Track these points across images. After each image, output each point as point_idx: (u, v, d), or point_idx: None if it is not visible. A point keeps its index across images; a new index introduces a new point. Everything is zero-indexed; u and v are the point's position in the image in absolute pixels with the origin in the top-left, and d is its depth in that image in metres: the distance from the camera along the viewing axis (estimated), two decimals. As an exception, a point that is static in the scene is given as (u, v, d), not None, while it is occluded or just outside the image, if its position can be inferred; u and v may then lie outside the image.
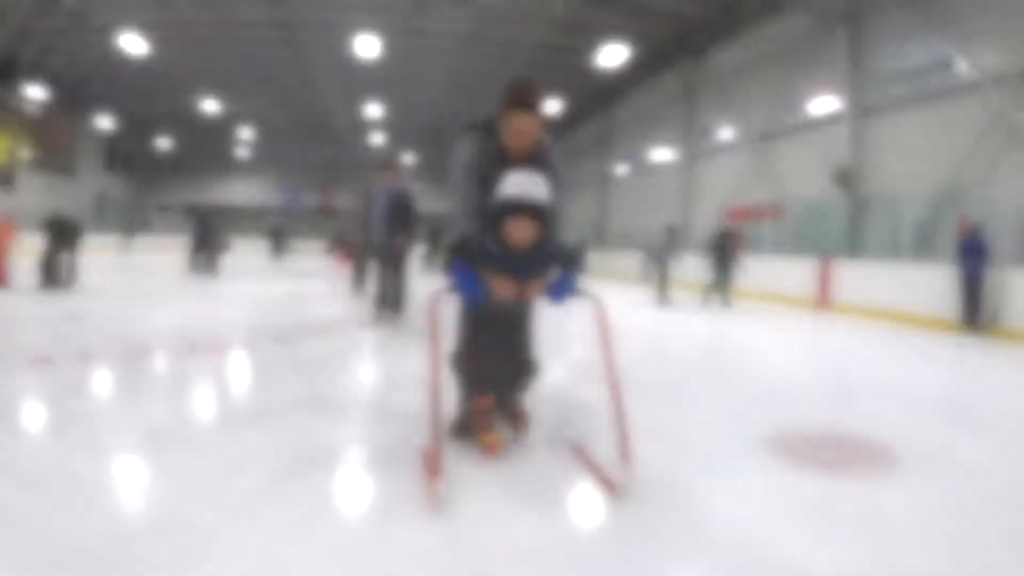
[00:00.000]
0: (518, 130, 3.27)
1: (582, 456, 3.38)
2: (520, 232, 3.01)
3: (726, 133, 22.99)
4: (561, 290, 3.15)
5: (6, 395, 4.36)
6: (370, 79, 31.31)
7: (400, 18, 23.72)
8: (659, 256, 13.95)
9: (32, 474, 2.91)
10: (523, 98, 3.22)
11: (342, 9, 23.33)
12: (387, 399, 4.56)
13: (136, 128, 40.15)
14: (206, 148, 45.68)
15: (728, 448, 3.80)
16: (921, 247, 14.89)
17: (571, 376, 5.71)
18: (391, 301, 8.76)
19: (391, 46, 25.61)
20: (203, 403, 4.43)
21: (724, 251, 13.29)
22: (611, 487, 2.93)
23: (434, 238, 26.00)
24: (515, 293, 3.11)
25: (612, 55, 21.99)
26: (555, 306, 3.23)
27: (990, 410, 5.56)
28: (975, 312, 10.88)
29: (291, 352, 6.25)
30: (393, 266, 8.78)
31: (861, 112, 16.91)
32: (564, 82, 29.02)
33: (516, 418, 3.60)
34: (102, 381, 4.96)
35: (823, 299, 14.41)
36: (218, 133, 42.73)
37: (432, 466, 2.69)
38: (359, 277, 12.96)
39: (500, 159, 3.39)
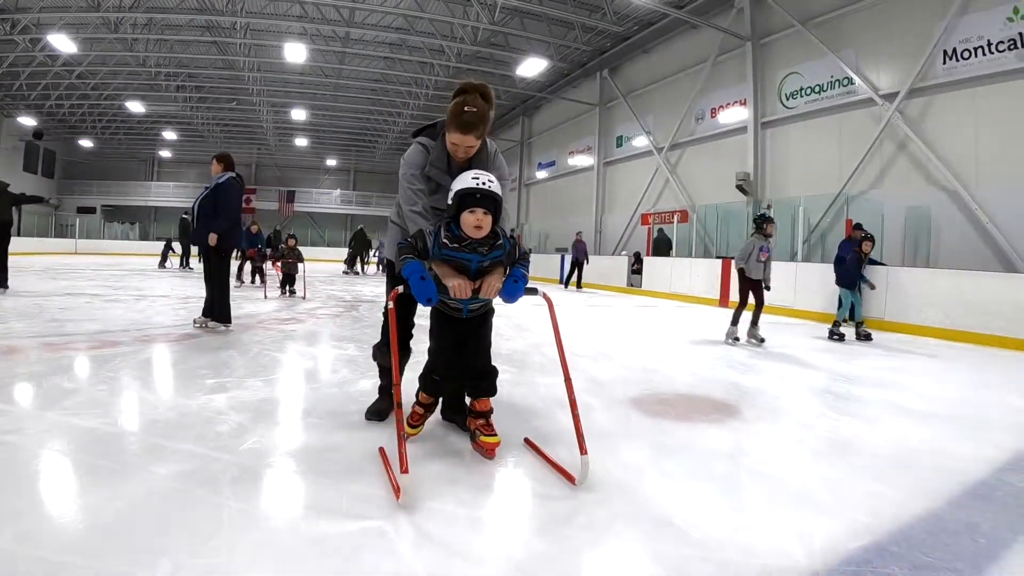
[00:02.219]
0: (455, 146, 3.29)
1: (534, 449, 3.35)
2: (479, 221, 2.97)
3: (640, 141, 23.23)
4: (514, 289, 3.07)
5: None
6: (296, 83, 30.59)
7: (328, 26, 23.22)
8: (751, 267, 8.85)
9: (49, 429, 3.42)
10: (464, 117, 3.19)
11: (271, 16, 22.60)
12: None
13: (57, 128, 37.89)
14: (128, 150, 43.50)
15: (603, 405, 4.57)
16: (816, 249, 15.53)
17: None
18: (206, 306, 7.55)
19: (318, 52, 25.17)
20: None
21: (859, 266, 9.80)
22: (570, 478, 2.90)
23: (357, 242, 25.71)
24: (470, 292, 3.00)
25: (531, 66, 21.91)
26: (508, 304, 3.14)
27: (835, 381, 6.32)
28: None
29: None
30: (206, 265, 7.66)
31: (764, 124, 17.40)
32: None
33: (485, 433, 3.30)
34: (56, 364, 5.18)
35: (724, 297, 14.85)
36: (141, 134, 40.76)
37: (399, 463, 2.53)
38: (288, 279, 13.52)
39: (446, 163, 3.40)
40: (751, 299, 8.82)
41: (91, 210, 42.48)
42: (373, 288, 16.73)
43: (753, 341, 8.44)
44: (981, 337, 9.57)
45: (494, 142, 3.58)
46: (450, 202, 3.04)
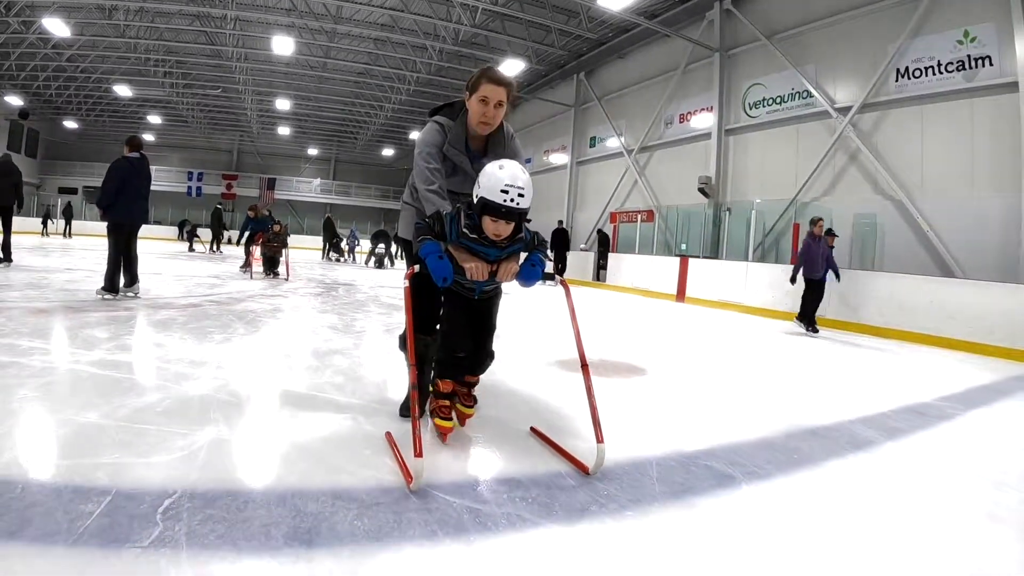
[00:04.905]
0: (484, 100, 3.15)
1: (541, 438, 3.27)
2: (499, 230, 2.84)
3: (612, 143, 23.60)
4: (532, 274, 2.99)
5: (36, 331, 5.23)
6: (281, 74, 30.49)
7: (314, 19, 23.26)
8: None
9: (98, 362, 4.28)
10: (491, 72, 3.18)
11: (260, 9, 22.64)
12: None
13: (42, 109, 37.21)
14: (112, 132, 42.77)
15: (533, 364, 5.40)
16: (770, 251, 16.11)
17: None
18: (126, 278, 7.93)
19: (304, 45, 25.17)
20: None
21: None
22: (583, 468, 2.81)
23: (328, 230, 26.34)
24: (487, 275, 2.91)
25: (510, 67, 21.91)
26: (524, 288, 3.07)
27: (738, 357, 7.47)
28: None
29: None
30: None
31: (728, 131, 17.89)
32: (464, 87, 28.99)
33: (465, 402, 3.29)
34: (84, 322, 5.90)
35: (681, 292, 15.46)
36: (125, 118, 40.32)
37: (413, 446, 2.42)
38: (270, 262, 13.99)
39: (464, 143, 3.29)
40: None
41: (72, 191, 42.07)
42: (350, 273, 17.26)
43: None
44: (907, 335, 10.21)
45: (510, 126, 3.48)
46: (475, 199, 2.86)
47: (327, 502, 2.26)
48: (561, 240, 21.83)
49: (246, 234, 14.72)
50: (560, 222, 23.37)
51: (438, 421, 3.18)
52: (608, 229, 22.58)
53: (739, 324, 11.27)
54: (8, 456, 2.47)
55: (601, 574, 1.96)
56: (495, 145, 3.35)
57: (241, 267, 14.84)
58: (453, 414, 3.26)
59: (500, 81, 3.17)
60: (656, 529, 2.30)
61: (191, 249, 24.36)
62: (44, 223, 32.53)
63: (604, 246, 21.02)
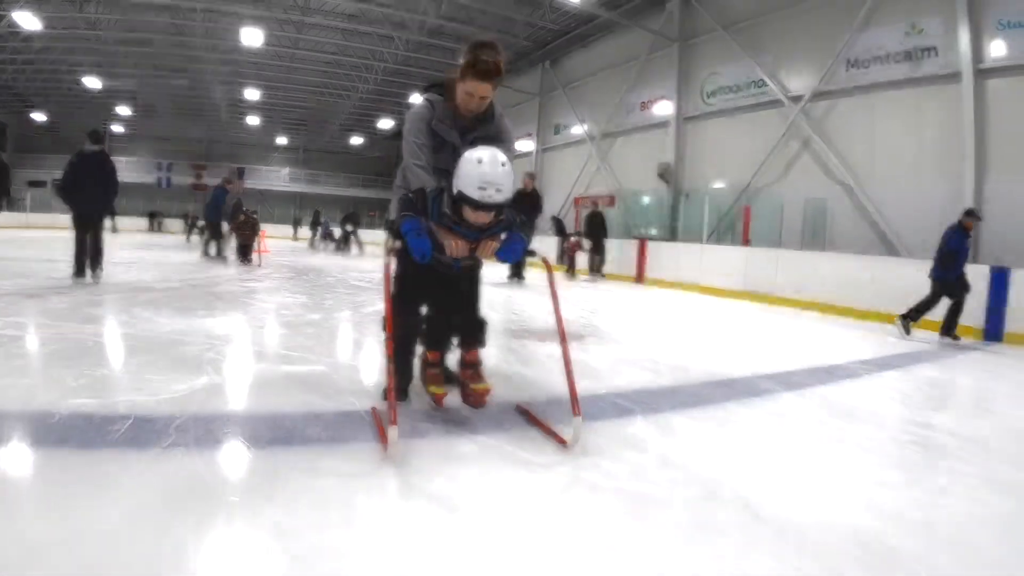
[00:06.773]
0: (469, 95, 3.16)
1: (526, 415, 3.35)
2: (479, 219, 2.91)
3: (576, 130, 24.31)
4: (511, 250, 3.03)
5: (37, 311, 5.87)
6: (251, 64, 30.73)
7: (283, 11, 23.55)
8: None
9: (96, 333, 5.27)
10: (480, 65, 3.07)
11: (229, 0, 23.00)
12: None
13: (11, 101, 37.12)
14: (81, 123, 42.80)
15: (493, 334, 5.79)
16: (726, 234, 16.87)
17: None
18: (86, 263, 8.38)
19: (273, 34, 25.40)
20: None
21: None
22: (561, 440, 2.91)
23: (315, 219, 27.15)
24: (467, 252, 2.95)
25: None
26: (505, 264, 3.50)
27: (672, 327, 8.47)
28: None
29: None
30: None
31: (687, 118, 18.62)
32: (431, 76, 29.43)
33: (474, 382, 3.21)
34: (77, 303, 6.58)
35: (640, 274, 16.18)
36: (94, 109, 40.07)
37: (387, 417, 2.54)
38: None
39: (452, 120, 3.31)
40: None
41: (42, 184, 41.86)
42: (320, 259, 18.13)
43: None
44: (850, 311, 10.78)
45: (500, 105, 3.48)
46: (455, 192, 2.90)
47: (300, 420, 3.01)
48: (597, 226, 16.65)
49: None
50: (595, 204, 18.00)
51: (432, 388, 3.25)
52: (571, 214, 23.21)
53: (688, 302, 11.91)
54: (43, 397, 3.13)
55: (506, 460, 2.69)
56: (484, 122, 3.36)
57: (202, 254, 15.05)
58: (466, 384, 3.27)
59: (487, 75, 3.12)
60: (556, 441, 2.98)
61: (189, 239, 24.81)
62: None
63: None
